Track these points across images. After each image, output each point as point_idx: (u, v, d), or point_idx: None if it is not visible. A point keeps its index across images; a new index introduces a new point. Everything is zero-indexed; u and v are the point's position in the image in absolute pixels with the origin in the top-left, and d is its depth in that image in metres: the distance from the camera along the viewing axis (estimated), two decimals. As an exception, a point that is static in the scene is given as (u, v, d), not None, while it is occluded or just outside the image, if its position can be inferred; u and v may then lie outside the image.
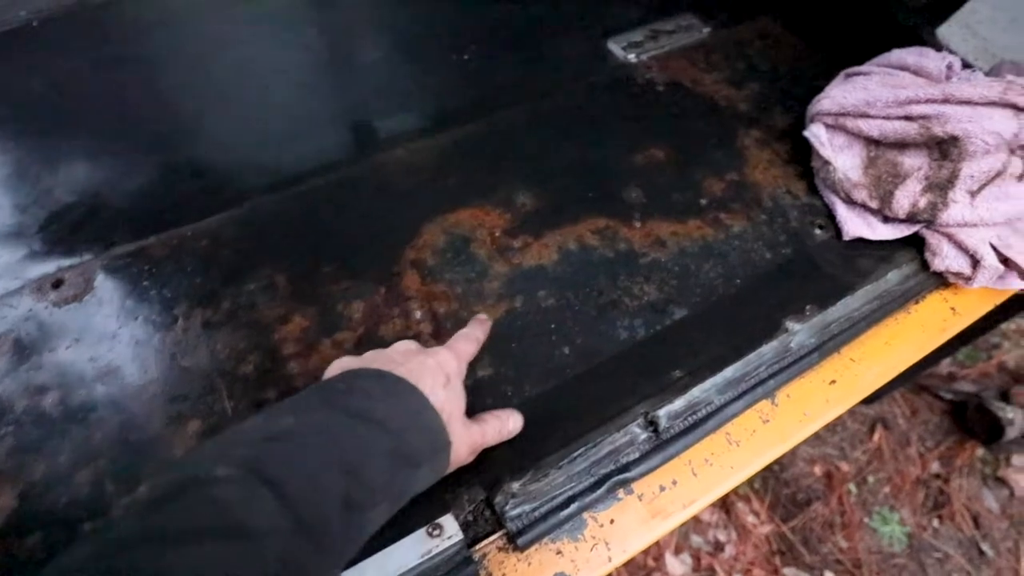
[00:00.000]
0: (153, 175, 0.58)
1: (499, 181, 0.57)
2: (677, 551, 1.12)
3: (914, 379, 1.30)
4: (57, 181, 0.57)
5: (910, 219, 0.51)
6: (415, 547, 0.36)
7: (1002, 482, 1.21)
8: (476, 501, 0.39)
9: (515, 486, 0.39)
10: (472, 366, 0.44)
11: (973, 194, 0.49)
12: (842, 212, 0.53)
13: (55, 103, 0.64)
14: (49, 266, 0.51)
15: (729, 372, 0.44)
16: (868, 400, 1.24)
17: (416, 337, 0.46)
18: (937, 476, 1.22)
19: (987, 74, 0.56)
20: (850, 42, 0.65)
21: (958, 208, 0.48)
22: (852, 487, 1.20)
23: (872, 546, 1.14)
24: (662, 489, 0.41)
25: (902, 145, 0.51)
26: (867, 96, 0.51)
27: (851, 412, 1.28)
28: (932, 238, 0.50)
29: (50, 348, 0.46)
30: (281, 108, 0.65)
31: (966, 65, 0.58)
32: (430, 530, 0.37)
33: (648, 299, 0.49)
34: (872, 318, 0.48)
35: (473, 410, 0.40)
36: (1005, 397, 1.24)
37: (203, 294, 0.49)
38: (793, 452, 1.23)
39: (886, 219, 0.52)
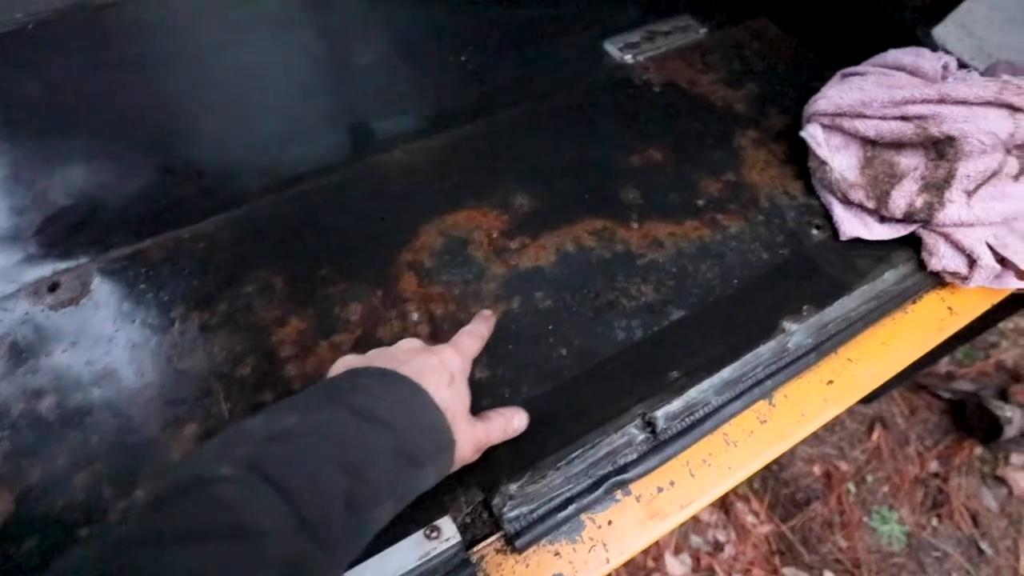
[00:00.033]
0: (150, 177, 0.57)
1: (496, 182, 0.57)
2: (677, 551, 1.12)
3: (912, 378, 1.30)
4: (53, 184, 0.57)
5: (907, 219, 0.51)
6: (413, 549, 0.36)
7: (1001, 481, 1.21)
8: (474, 503, 0.39)
9: (513, 488, 0.38)
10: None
11: (969, 194, 0.49)
12: (839, 212, 0.53)
13: (51, 106, 0.64)
14: (45, 269, 0.51)
15: (727, 373, 0.44)
16: (866, 399, 1.25)
17: (413, 339, 0.46)
18: (936, 475, 1.22)
19: (983, 74, 0.56)
20: (846, 42, 0.65)
21: (954, 208, 0.48)
22: (851, 486, 1.20)
23: (871, 545, 1.14)
24: (660, 490, 0.41)
25: (898, 145, 0.51)
26: (863, 96, 0.51)
27: (850, 411, 1.28)
28: (929, 238, 0.50)
29: (46, 352, 0.46)
30: (278, 110, 0.65)
31: (962, 65, 0.58)
32: (428, 532, 0.36)
33: (645, 300, 0.49)
34: (869, 318, 0.48)
35: (472, 412, 0.40)
36: (1003, 396, 1.24)
37: (200, 297, 0.49)
38: (792, 452, 1.23)
39: (883, 219, 0.52)
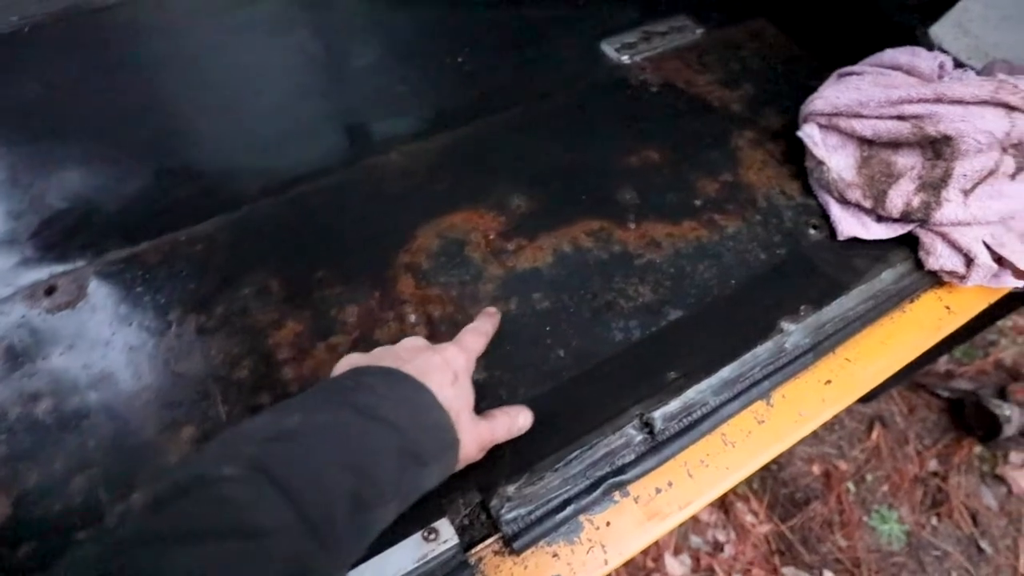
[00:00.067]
0: (146, 180, 0.57)
1: (493, 184, 0.57)
2: (676, 552, 1.12)
3: (911, 377, 1.30)
4: (49, 187, 0.56)
5: (904, 218, 0.51)
6: (411, 552, 0.36)
7: (1000, 479, 1.21)
8: (472, 505, 0.39)
9: (511, 489, 0.38)
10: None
11: (966, 193, 0.49)
12: (836, 212, 0.53)
13: (47, 109, 0.63)
14: (42, 272, 0.50)
15: (724, 373, 0.44)
16: (865, 398, 1.25)
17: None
18: (935, 474, 1.22)
19: (979, 73, 0.56)
20: (843, 42, 0.65)
21: (952, 207, 0.48)
22: (850, 486, 1.20)
23: (871, 545, 1.14)
24: (658, 491, 0.41)
25: (895, 145, 0.51)
26: (860, 96, 0.51)
27: (849, 411, 1.28)
28: (926, 237, 0.50)
29: (43, 355, 0.45)
30: (275, 112, 0.64)
31: (959, 64, 0.58)
32: (426, 534, 0.36)
33: (643, 301, 0.49)
34: (867, 318, 0.48)
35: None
36: (1002, 394, 1.24)
37: (197, 299, 0.49)
38: (791, 451, 1.23)
39: (880, 219, 0.52)
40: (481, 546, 0.38)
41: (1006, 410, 1.18)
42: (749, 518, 1.16)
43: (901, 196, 0.50)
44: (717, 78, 0.68)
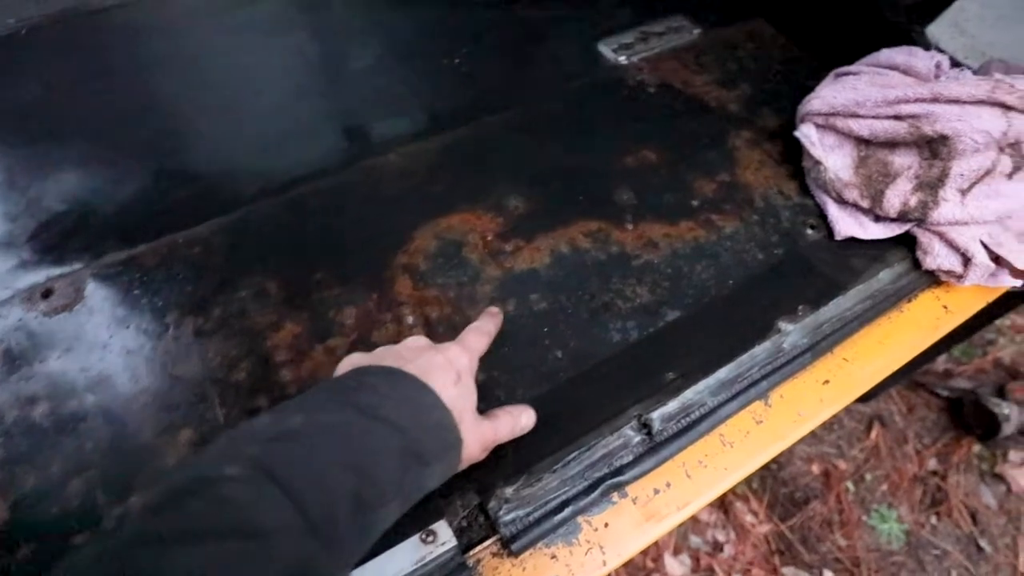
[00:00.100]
0: (144, 182, 0.57)
1: (491, 185, 0.57)
2: (676, 552, 1.12)
3: (910, 376, 1.30)
4: (47, 189, 0.56)
5: (901, 218, 0.51)
6: (409, 554, 0.36)
7: (999, 478, 1.21)
8: (470, 507, 0.39)
9: (508, 491, 0.38)
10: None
11: (963, 192, 0.49)
12: (833, 212, 0.54)
13: (44, 111, 0.63)
14: (39, 275, 0.50)
15: (722, 373, 0.44)
16: (864, 398, 1.25)
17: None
18: (934, 473, 1.22)
19: (976, 72, 0.56)
20: (839, 42, 0.65)
21: (949, 207, 0.48)
22: (850, 485, 1.20)
23: (870, 544, 1.14)
24: (656, 492, 0.41)
25: (892, 144, 0.51)
26: (857, 96, 0.51)
27: (848, 410, 1.28)
28: (923, 237, 0.50)
29: (40, 358, 0.45)
30: (273, 114, 0.64)
31: (955, 63, 0.58)
32: (424, 536, 0.36)
33: (640, 301, 0.49)
34: (865, 317, 0.49)
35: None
36: (1001, 393, 1.24)
37: (194, 302, 0.49)
38: (790, 451, 1.23)
39: (877, 218, 0.53)
40: (479, 548, 0.38)
41: (1005, 409, 1.18)
42: (749, 518, 1.16)
43: (898, 196, 0.50)
44: (714, 78, 0.68)
